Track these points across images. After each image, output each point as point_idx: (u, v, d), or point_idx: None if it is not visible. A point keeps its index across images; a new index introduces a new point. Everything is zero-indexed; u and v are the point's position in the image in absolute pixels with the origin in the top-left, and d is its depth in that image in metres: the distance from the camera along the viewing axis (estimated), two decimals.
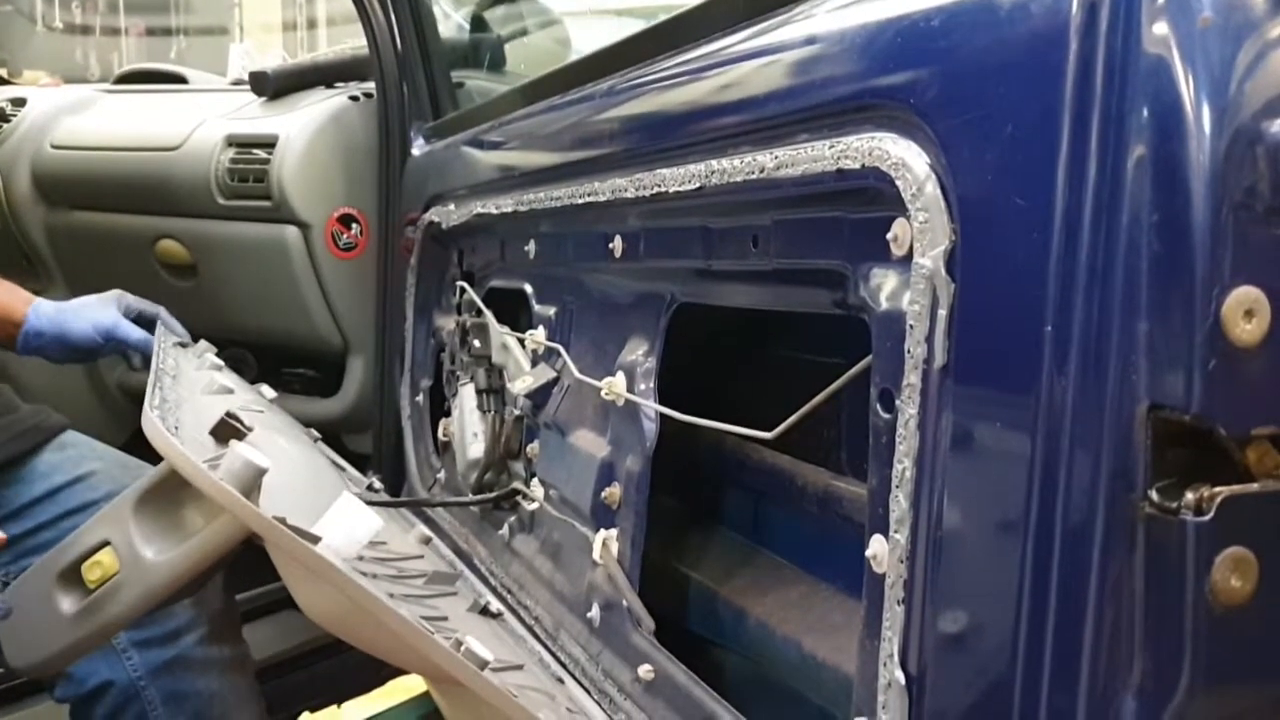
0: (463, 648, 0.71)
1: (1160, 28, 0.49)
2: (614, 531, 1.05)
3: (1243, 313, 0.47)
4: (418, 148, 1.86)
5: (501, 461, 1.42)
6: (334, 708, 2.11)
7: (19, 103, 2.32)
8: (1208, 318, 0.47)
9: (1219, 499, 0.48)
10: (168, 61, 4.46)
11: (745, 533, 1.18)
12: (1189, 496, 0.48)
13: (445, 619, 0.90)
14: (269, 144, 1.97)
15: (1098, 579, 0.50)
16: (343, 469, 1.59)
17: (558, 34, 2.27)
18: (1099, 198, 0.50)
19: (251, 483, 0.72)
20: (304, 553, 0.69)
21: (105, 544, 1.00)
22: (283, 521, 0.69)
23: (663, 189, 0.91)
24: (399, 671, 2.07)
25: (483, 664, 0.71)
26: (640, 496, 1.02)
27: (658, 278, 1.04)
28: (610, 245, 1.08)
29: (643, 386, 1.03)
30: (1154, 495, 0.49)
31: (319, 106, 2.02)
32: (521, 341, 1.33)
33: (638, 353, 1.05)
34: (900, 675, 0.61)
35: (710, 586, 1.12)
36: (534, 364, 1.30)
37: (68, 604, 1.01)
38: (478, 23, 2.27)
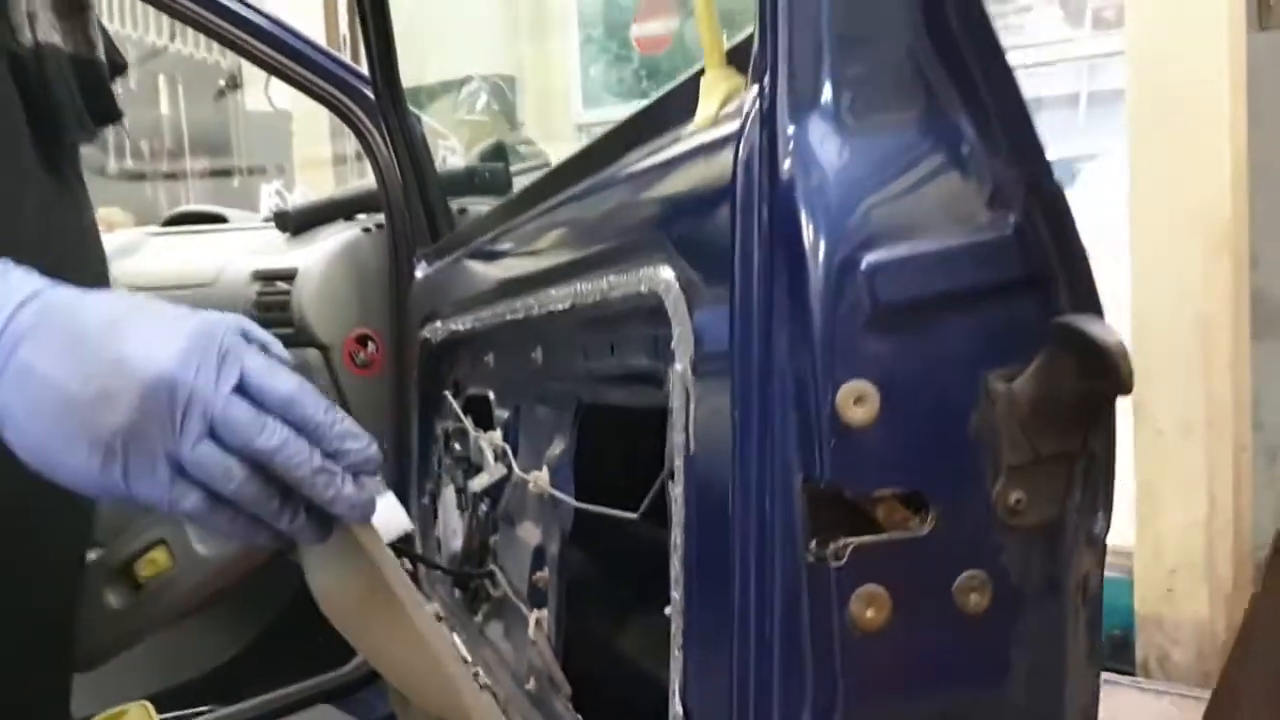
0: None
1: (790, 186, 0.63)
2: (545, 611, 1.19)
3: (853, 400, 0.60)
4: (420, 270, 2.05)
5: (479, 554, 1.56)
6: None
7: None
8: (827, 406, 0.60)
9: (850, 548, 0.60)
10: (231, 198, 4.84)
11: (652, 605, 1.30)
12: (831, 547, 0.61)
13: None
14: (289, 276, 2.18)
15: (781, 614, 0.63)
16: None
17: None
18: (762, 313, 0.64)
19: None
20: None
21: (160, 542, 1.08)
22: None
23: (552, 308, 1.07)
24: None
25: None
26: (560, 578, 1.16)
27: (566, 382, 1.19)
28: (534, 355, 1.24)
29: (562, 479, 1.18)
30: (814, 546, 0.62)
31: (333, 239, 2.23)
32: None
33: (559, 449, 1.20)
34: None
35: (627, 658, 1.24)
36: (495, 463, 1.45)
37: (115, 600, 1.08)
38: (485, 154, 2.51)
